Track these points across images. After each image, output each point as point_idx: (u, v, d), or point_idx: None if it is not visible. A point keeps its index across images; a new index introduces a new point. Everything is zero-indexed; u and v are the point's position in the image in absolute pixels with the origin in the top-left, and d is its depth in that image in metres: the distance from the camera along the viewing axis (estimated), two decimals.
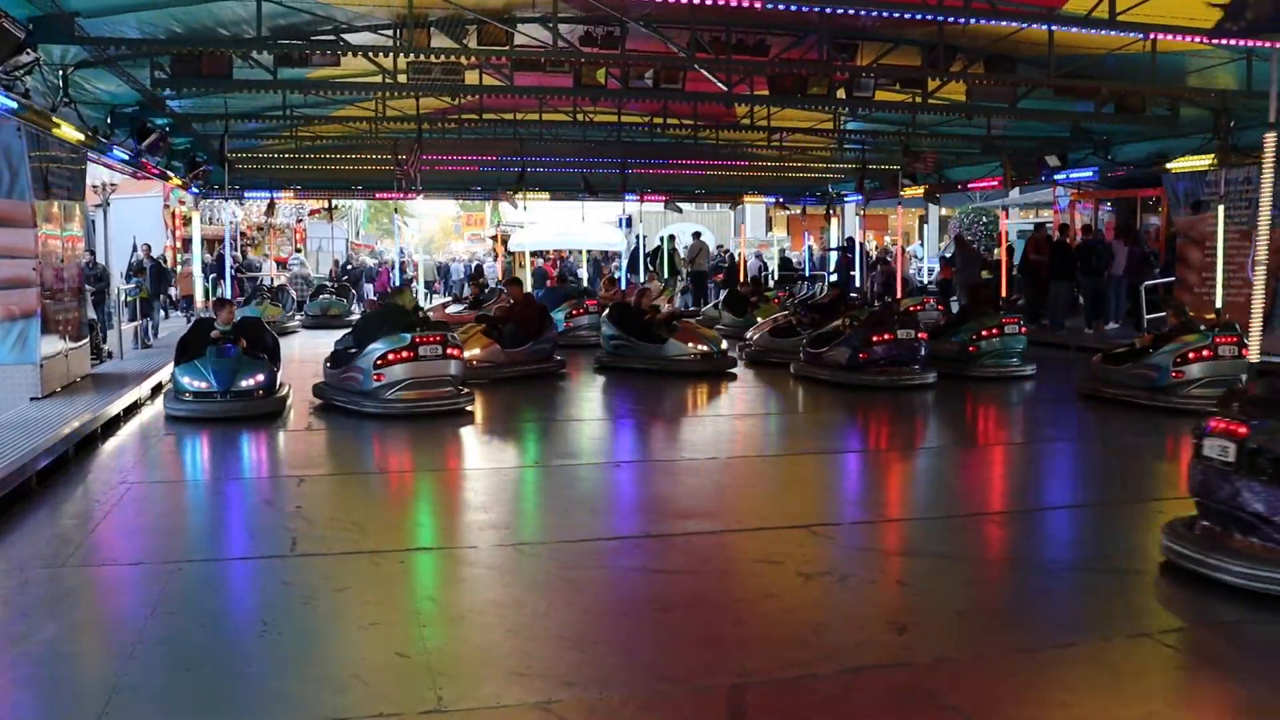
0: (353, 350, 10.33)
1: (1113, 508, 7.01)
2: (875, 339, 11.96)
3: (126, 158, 13.87)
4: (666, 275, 23.43)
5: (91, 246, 16.30)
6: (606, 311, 14.38)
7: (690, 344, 13.02)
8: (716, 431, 10.03)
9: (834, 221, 27.65)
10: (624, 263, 27.34)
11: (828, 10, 9.76)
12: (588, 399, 11.88)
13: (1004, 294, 16.01)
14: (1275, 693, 3.86)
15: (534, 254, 29.84)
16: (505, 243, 30.16)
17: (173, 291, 21.35)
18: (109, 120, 13.11)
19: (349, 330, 11.55)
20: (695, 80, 13.05)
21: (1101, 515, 6.78)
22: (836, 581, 5.20)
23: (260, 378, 9.89)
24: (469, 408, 10.14)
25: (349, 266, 29.95)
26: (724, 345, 13.42)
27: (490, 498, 7.13)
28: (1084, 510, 7.00)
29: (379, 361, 9.74)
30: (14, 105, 8.96)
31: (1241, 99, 12.49)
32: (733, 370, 13.10)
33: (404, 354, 9.76)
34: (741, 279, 21.80)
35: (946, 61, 12.07)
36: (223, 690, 3.89)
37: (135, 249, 19.20)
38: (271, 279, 24.68)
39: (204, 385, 9.68)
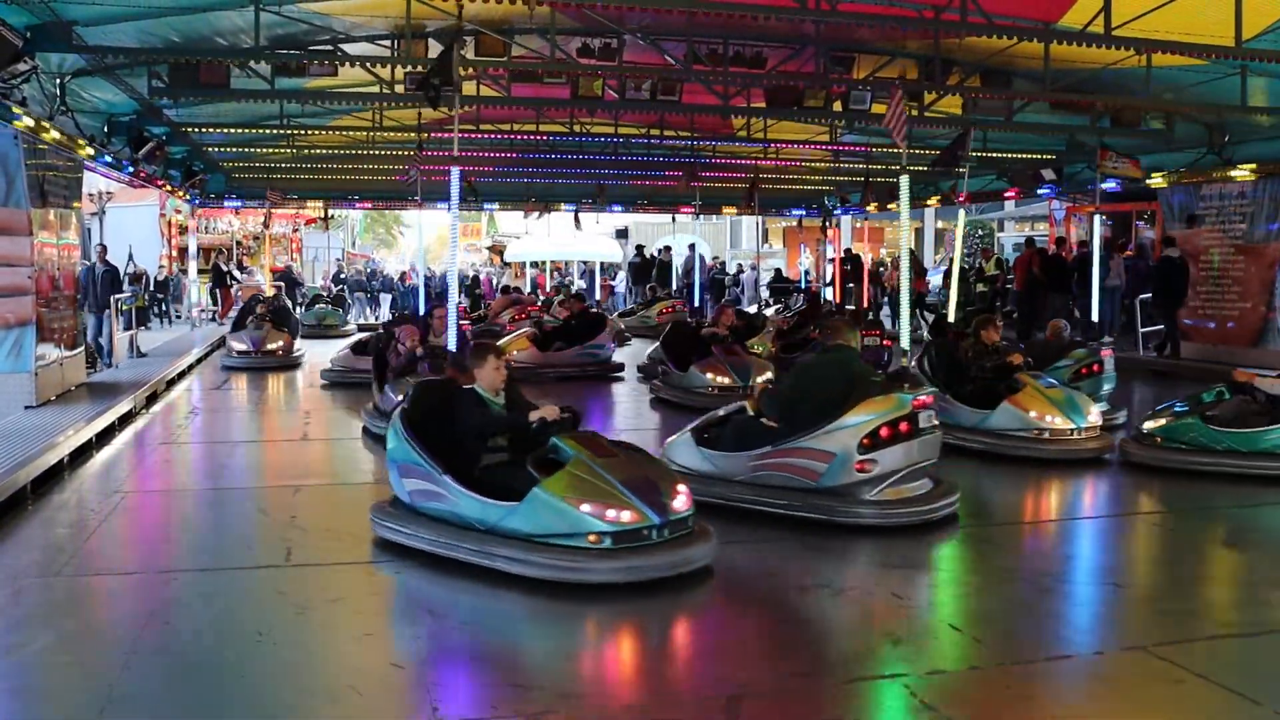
0: (770, 421, 6.53)
1: (1107, 519, 7.03)
2: None
3: (123, 166, 13.87)
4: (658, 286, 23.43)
5: (86, 255, 16.26)
6: (664, 333, 12.67)
7: (710, 374, 10.77)
8: None
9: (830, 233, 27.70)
10: (625, 273, 27.37)
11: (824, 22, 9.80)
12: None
13: (863, 300, 16.36)
14: (1268, 705, 3.86)
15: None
16: (501, 254, 30.13)
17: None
18: (106, 129, 13.12)
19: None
20: (692, 92, 13.10)
21: (1096, 526, 6.80)
22: (833, 594, 5.20)
23: None
24: (956, 508, 6.43)
25: (342, 276, 29.89)
26: (759, 380, 10.41)
27: None
28: (1079, 521, 7.02)
29: (866, 441, 6.03)
30: (11, 113, 8.96)
31: (1237, 113, 12.53)
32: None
33: (903, 426, 6.10)
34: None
35: (943, 75, 12.12)
36: (217, 701, 3.87)
37: (131, 259, 19.18)
38: (277, 288, 24.53)
39: (640, 516, 5.05)
